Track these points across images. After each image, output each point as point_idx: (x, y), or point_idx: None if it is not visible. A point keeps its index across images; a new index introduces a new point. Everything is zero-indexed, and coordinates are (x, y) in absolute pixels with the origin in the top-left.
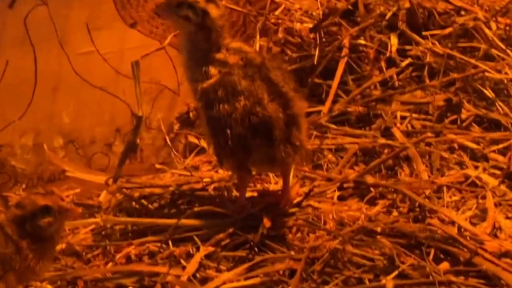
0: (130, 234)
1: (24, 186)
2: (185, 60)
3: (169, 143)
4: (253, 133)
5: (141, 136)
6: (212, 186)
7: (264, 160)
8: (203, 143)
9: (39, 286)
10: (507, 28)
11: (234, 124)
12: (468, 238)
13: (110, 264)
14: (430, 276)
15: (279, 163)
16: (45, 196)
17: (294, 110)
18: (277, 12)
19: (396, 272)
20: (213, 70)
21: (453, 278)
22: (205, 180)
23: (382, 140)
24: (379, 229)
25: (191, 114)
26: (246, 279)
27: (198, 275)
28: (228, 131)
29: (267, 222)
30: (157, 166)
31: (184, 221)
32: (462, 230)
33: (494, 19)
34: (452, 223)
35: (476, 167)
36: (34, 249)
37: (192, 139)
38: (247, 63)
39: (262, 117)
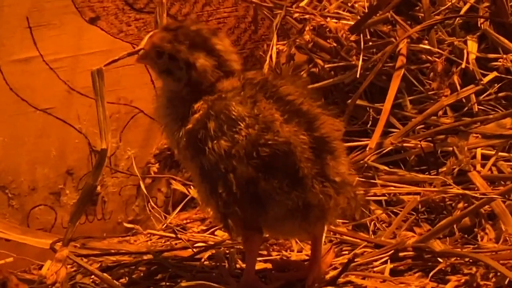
0: None
1: None
2: (163, 115)
3: (145, 191)
4: (267, 173)
5: (103, 181)
6: (207, 253)
7: (288, 216)
8: (194, 193)
9: None
10: None
11: (237, 164)
12: None
13: None
14: None
15: (312, 216)
16: None
17: (323, 131)
18: (302, 3)
19: None
20: (198, 104)
21: None
22: (196, 245)
23: (455, 190)
24: None
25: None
26: None
27: None
28: (232, 175)
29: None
30: (126, 225)
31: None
32: None
33: None
34: None
35: None
36: None
37: (178, 186)
38: (245, 84)
39: (276, 145)
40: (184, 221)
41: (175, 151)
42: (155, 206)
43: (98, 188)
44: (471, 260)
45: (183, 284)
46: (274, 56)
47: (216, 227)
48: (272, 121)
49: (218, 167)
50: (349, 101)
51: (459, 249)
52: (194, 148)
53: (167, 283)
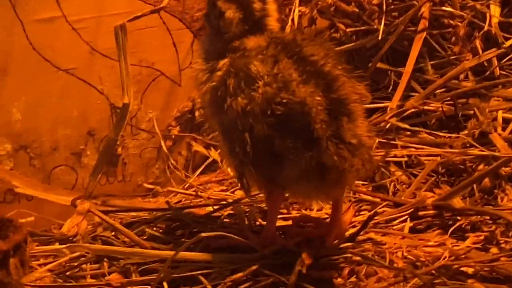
0: (106, 275)
1: None
2: (200, 64)
3: (166, 151)
4: (282, 132)
5: (124, 142)
6: (227, 211)
7: (303, 177)
8: (214, 154)
9: None
10: None
11: (253, 121)
12: None
13: None
14: None
15: (329, 179)
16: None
17: (342, 93)
18: None
19: None
20: (223, 61)
21: None
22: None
23: (476, 151)
24: (470, 271)
25: (197, 113)
26: None
27: None
28: (247, 135)
29: (307, 258)
30: (146, 185)
31: (185, 254)
32: None
33: None
34: None
35: None
36: None
37: (198, 148)
38: (270, 43)
39: (291, 104)
40: (205, 183)
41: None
42: (176, 167)
43: (119, 150)
44: (490, 218)
45: (204, 234)
46: (296, 19)
47: (236, 187)
48: (290, 80)
49: (236, 125)
50: (371, 64)
51: (479, 207)
52: (215, 105)
53: (187, 239)
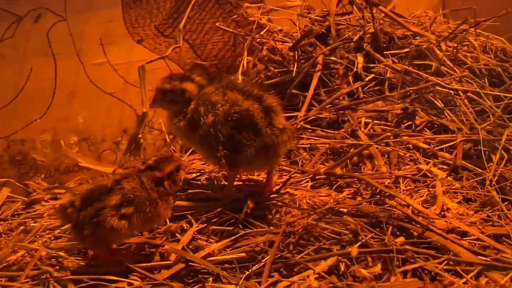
0: None
1: (42, 176)
2: (170, 121)
3: (169, 141)
4: (239, 128)
5: (144, 136)
6: (204, 176)
7: (256, 156)
8: None
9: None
10: (454, 50)
11: (220, 127)
12: (421, 217)
13: None
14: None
15: (270, 153)
16: (172, 159)
17: (268, 102)
18: (262, 32)
19: (359, 243)
20: (190, 107)
21: (408, 247)
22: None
23: (349, 141)
24: (345, 210)
25: None
26: (232, 249)
27: (191, 246)
28: (220, 135)
29: (250, 203)
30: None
31: (179, 203)
32: (416, 211)
33: (444, 42)
34: (407, 206)
35: (427, 163)
36: (163, 199)
37: None
38: (218, 88)
39: (241, 111)
40: (191, 160)
41: (179, 136)
42: (175, 151)
43: (141, 140)
44: (357, 180)
45: (190, 191)
46: (245, 64)
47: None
48: (237, 100)
49: (210, 132)
50: (288, 90)
51: (350, 173)
52: (192, 127)
53: (180, 193)
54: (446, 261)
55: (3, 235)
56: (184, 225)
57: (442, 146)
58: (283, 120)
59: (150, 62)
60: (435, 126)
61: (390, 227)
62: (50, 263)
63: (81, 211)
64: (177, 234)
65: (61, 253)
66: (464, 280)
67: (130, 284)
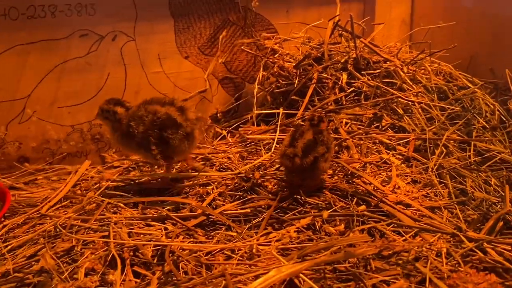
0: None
1: (114, 150)
2: (111, 135)
3: (204, 131)
4: (164, 128)
5: None
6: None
7: (182, 146)
8: (224, 132)
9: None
10: (413, 72)
11: (150, 132)
12: (378, 193)
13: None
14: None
15: (190, 138)
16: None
17: (179, 104)
18: (273, 56)
19: (331, 209)
20: (124, 121)
21: (366, 213)
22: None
23: (333, 135)
24: (324, 186)
25: (218, 115)
26: (240, 208)
27: (212, 204)
28: (151, 137)
29: (257, 175)
30: (198, 144)
31: (204, 173)
32: (376, 188)
33: (406, 66)
34: (370, 184)
35: (388, 153)
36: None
37: (218, 130)
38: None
39: (162, 116)
40: (220, 144)
41: (119, 147)
42: (208, 138)
43: None
44: (336, 163)
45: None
46: (261, 77)
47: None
48: (156, 109)
49: (143, 139)
50: (290, 97)
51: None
52: (128, 137)
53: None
54: (392, 224)
55: (84, 191)
56: (208, 190)
57: (400, 141)
58: (194, 114)
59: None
60: (396, 127)
61: (355, 199)
62: (112, 211)
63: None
64: (203, 196)
65: (120, 204)
66: (404, 238)
67: (166, 228)
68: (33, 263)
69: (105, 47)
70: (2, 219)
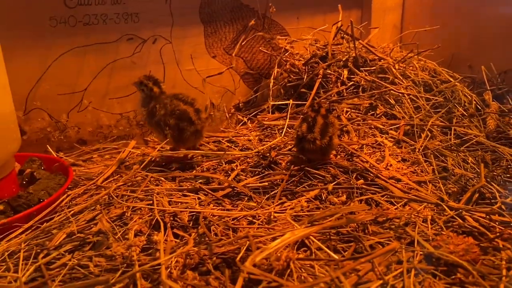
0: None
1: (155, 134)
2: (140, 107)
3: (228, 118)
4: (181, 120)
5: (215, 113)
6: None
7: (192, 137)
8: (245, 119)
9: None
10: (403, 68)
11: (169, 118)
12: (374, 169)
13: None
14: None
15: (198, 134)
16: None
17: (197, 106)
18: (286, 55)
19: (335, 182)
20: (151, 104)
21: (363, 186)
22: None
23: (338, 122)
24: (330, 163)
25: (240, 105)
26: (260, 182)
27: (236, 178)
28: (169, 123)
29: (273, 154)
30: (222, 129)
31: (229, 152)
32: (372, 166)
33: (397, 64)
34: (367, 162)
35: (382, 137)
36: None
37: (240, 117)
38: (167, 96)
39: (180, 110)
40: (242, 130)
41: (143, 121)
42: (231, 124)
43: (212, 114)
44: (339, 145)
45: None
46: (275, 73)
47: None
48: (178, 104)
49: (162, 121)
50: (300, 89)
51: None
52: (151, 115)
53: (229, 145)
54: (385, 196)
55: (132, 166)
56: (233, 166)
57: (392, 127)
58: (205, 114)
59: (212, 76)
60: (388, 114)
61: (355, 174)
62: (155, 184)
63: None
64: (229, 172)
65: (161, 178)
66: (395, 207)
67: (199, 198)
68: (92, 225)
69: (147, 48)
70: (67, 190)
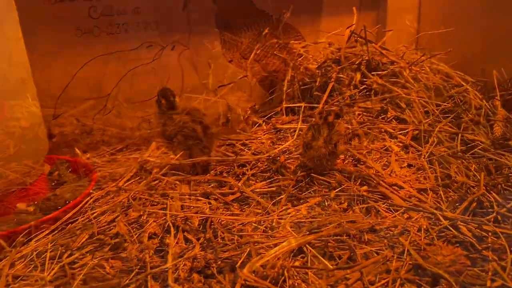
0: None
1: None
2: (155, 119)
3: (244, 120)
4: (189, 138)
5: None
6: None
7: (198, 152)
8: (261, 121)
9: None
10: (415, 72)
11: (178, 135)
12: (377, 176)
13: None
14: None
15: (205, 150)
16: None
17: (205, 123)
18: (300, 59)
19: (338, 189)
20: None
21: (365, 194)
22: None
23: (347, 125)
24: (336, 169)
25: (256, 107)
26: (269, 187)
27: (246, 183)
28: (177, 139)
29: (282, 159)
30: (238, 131)
31: (240, 157)
32: (377, 172)
33: (409, 67)
34: (372, 168)
35: (390, 141)
36: None
37: (255, 119)
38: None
39: (188, 129)
40: (257, 131)
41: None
42: (247, 126)
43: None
44: (347, 150)
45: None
46: (289, 77)
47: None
48: (187, 122)
49: (171, 134)
50: (313, 92)
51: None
52: (163, 131)
53: (242, 147)
54: (385, 203)
55: (151, 170)
56: (244, 170)
57: (401, 132)
58: (214, 130)
59: (223, 86)
60: (399, 119)
61: (359, 180)
62: (170, 187)
63: None
64: (240, 176)
65: (177, 182)
66: (394, 215)
67: (209, 203)
68: (112, 227)
69: (166, 55)
70: (91, 191)
